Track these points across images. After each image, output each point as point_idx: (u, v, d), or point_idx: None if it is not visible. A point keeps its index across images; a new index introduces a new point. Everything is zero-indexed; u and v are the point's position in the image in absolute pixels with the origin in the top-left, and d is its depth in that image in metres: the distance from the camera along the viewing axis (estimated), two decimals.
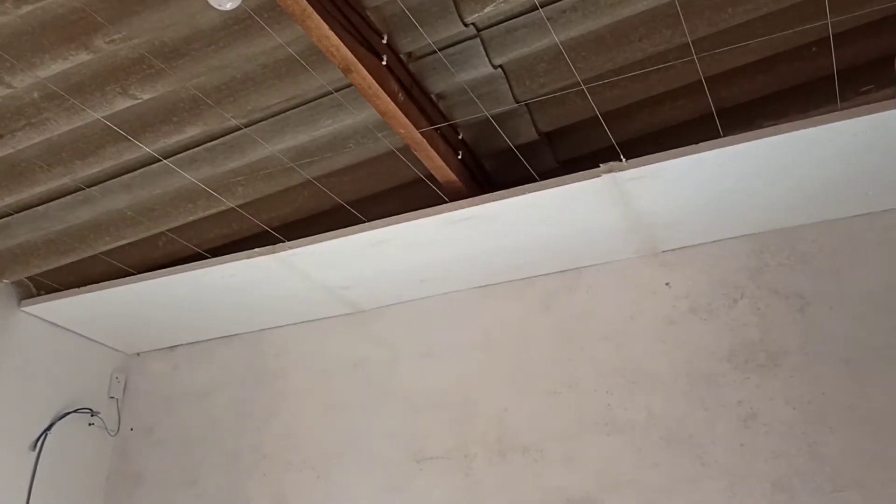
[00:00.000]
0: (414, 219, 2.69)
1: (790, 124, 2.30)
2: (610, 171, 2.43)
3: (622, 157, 2.42)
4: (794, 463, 2.48)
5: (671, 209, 2.65)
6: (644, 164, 2.41)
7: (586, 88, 2.35)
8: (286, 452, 3.24)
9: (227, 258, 2.96)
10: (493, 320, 3.10)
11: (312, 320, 3.42)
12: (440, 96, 2.52)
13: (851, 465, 2.41)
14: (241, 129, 2.55)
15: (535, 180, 2.61)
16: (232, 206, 2.86)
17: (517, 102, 2.52)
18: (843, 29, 2.23)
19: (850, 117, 2.21)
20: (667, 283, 2.86)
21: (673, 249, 2.90)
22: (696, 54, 2.23)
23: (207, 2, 1.87)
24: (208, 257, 3.02)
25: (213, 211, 2.90)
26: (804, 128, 2.27)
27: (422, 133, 2.40)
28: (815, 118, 2.27)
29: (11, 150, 2.51)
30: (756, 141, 2.30)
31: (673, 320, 2.81)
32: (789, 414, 2.53)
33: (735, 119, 2.59)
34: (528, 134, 2.67)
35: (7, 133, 2.41)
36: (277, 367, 3.43)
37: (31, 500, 3.16)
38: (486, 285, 3.15)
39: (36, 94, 2.33)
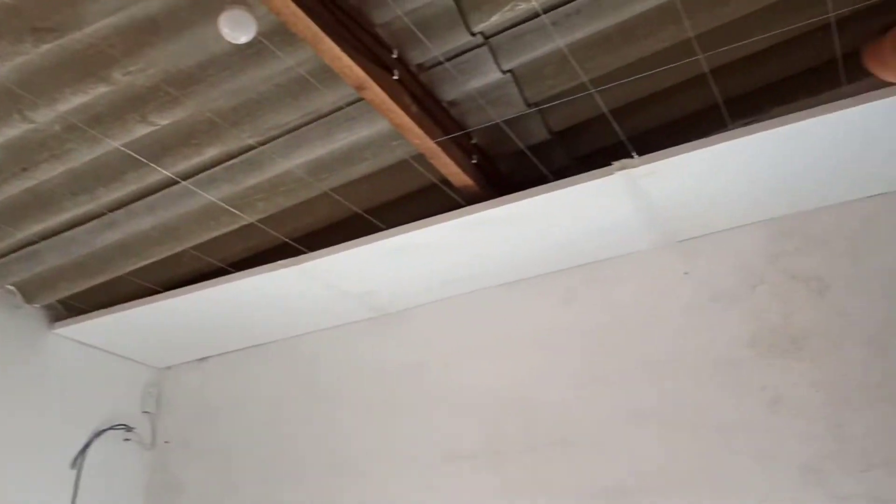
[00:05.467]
0: (431, 224, 2.73)
1: (796, 115, 2.30)
2: (623, 167, 2.46)
3: (633, 153, 2.44)
4: (822, 445, 2.50)
5: (685, 201, 2.67)
6: (655, 160, 2.42)
7: (594, 88, 2.37)
8: (323, 457, 3.30)
9: (249, 272, 3.02)
10: (517, 316, 3.14)
11: (340, 325, 3.48)
12: (452, 104, 2.55)
13: (880, 444, 2.44)
14: (257, 146, 2.60)
15: (551, 180, 2.64)
16: (252, 221, 2.91)
17: (528, 105, 2.55)
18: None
19: (858, 103, 2.21)
20: (686, 273, 2.89)
21: (690, 238, 2.92)
22: (701, 52, 2.25)
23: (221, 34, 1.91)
24: (232, 272, 3.08)
25: (235, 226, 2.95)
26: (809, 117, 2.26)
27: (436, 142, 2.44)
28: (820, 107, 2.26)
29: (36, 182, 2.57)
30: (764, 132, 2.32)
31: (693, 309, 2.84)
32: (814, 396, 2.56)
33: (744, 105, 2.62)
34: (541, 134, 2.70)
35: (31, 166, 2.48)
36: (309, 372, 3.49)
37: None
38: (509, 282, 3.19)
39: (58, 127, 2.39)
